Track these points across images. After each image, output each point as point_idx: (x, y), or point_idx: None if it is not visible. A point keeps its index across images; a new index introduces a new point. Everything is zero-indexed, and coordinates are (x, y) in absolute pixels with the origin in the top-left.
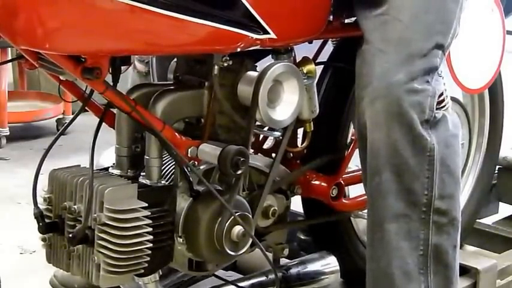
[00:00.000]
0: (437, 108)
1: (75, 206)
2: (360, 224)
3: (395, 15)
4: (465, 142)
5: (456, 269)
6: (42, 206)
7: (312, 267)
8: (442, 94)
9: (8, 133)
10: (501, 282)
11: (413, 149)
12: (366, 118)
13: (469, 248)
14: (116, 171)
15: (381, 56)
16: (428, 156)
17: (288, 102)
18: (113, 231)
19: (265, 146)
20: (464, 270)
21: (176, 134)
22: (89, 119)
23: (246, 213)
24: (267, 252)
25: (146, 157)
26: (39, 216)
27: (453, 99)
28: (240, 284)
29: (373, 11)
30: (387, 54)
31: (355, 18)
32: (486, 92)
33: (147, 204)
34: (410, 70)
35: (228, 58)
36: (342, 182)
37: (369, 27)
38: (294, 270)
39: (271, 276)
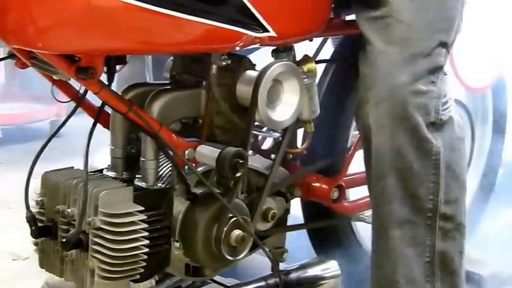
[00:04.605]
0: (443, 110)
1: (69, 210)
2: None
3: (396, 16)
4: (468, 145)
5: (463, 275)
6: (34, 209)
7: (311, 271)
8: (445, 95)
9: (0, 135)
10: None
11: (418, 153)
12: (370, 121)
13: (474, 254)
14: (111, 174)
15: (383, 57)
16: (434, 160)
17: (288, 103)
18: (107, 236)
19: (263, 147)
20: (469, 277)
21: (173, 135)
22: (85, 121)
23: (245, 217)
24: (265, 257)
25: (142, 159)
26: (31, 220)
27: (455, 100)
28: None
29: (372, 12)
30: (390, 55)
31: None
32: (489, 92)
33: (143, 208)
34: (414, 71)
35: (226, 57)
36: (342, 184)
37: (370, 29)
38: (293, 275)
39: (270, 281)
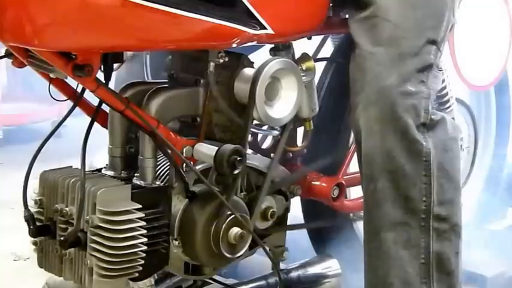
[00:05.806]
0: (441, 110)
1: (67, 208)
2: None
3: (383, 16)
4: (471, 145)
5: (459, 276)
6: (33, 208)
7: (312, 270)
8: (446, 94)
9: (2, 136)
10: None
11: (408, 155)
12: (361, 125)
13: (477, 255)
14: (109, 173)
15: (371, 58)
16: (425, 161)
17: (286, 100)
18: (106, 234)
19: (263, 146)
20: (472, 278)
21: (171, 133)
22: (84, 121)
23: (244, 214)
24: (265, 257)
25: (140, 157)
26: (30, 219)
27: (458, 100)
28: None
29: (360, 13)
30: (378, 56)
31: None
32: (492, 90)
33: (141, 206)
34: (402, 71)
35: (223, 54)
36: (342, 182)
37: (358, 30)
38: (294, 274)
39: (271, 280)
